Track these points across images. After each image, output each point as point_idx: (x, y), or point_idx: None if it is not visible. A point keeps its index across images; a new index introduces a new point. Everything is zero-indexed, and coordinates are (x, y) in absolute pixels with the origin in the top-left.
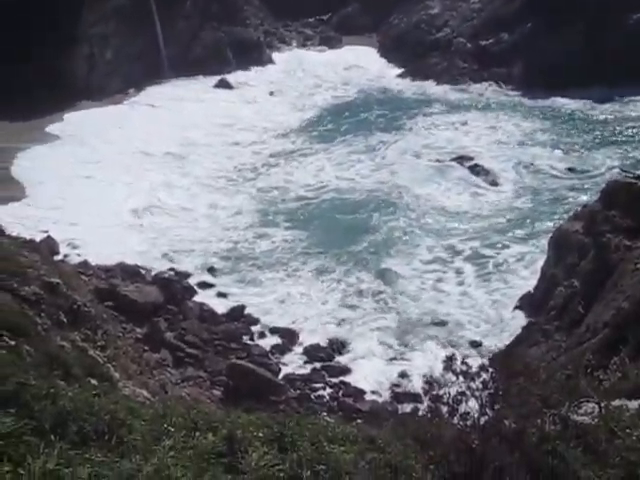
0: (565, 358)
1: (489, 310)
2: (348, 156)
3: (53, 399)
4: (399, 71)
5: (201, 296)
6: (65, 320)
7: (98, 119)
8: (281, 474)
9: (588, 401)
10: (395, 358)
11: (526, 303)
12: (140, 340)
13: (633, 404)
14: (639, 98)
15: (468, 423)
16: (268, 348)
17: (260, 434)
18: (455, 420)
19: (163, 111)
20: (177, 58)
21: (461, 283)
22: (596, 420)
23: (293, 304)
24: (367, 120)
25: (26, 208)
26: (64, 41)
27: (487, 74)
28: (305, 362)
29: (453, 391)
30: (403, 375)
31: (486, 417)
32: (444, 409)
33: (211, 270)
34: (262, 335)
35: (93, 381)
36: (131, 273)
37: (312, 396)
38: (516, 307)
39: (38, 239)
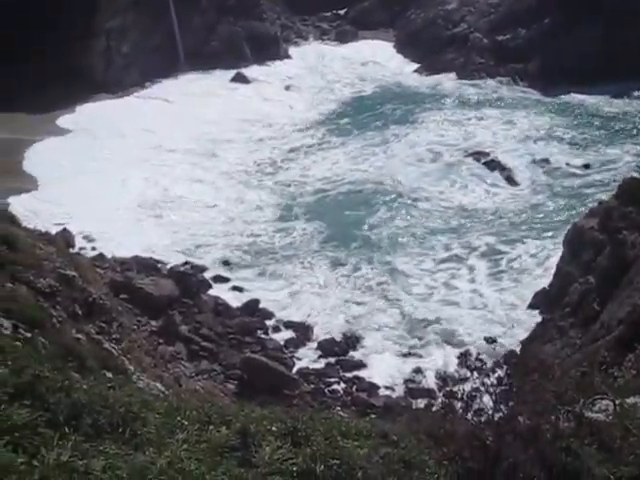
0: (580, 355)
1: (503, 307)
2: (363, 149)
3: (68, 391)
4: (415, 66)
5: (217, 290)
6: (80, 313)
7: (113, 112)
8: (294, 468)
9: (603, 398)
10: (409, 354)
11: (541, 299)
12: (155, 333)
13: None
14: None
15: (482, 419)
16: (282, 342)
17: (274, 428)
18: (469, 416)
19: (179, 105)
20: (193, 52)
21: (473, 280)
22: (610, 417)
23: (308, 299)
24: (383, 114)
25: (38, 201)
26: (81, 35)
27: (504, 70)
28: (319, 357)
29: (467, 387)
30: (417, 371)
31: (500, 413)
32: (458, 405)
33: (227, 264)
34: (276, 329)
35: (108, 374)
36: (147, 266)
37: (326, 391)
38: (531, 304)
39: (53, 232)
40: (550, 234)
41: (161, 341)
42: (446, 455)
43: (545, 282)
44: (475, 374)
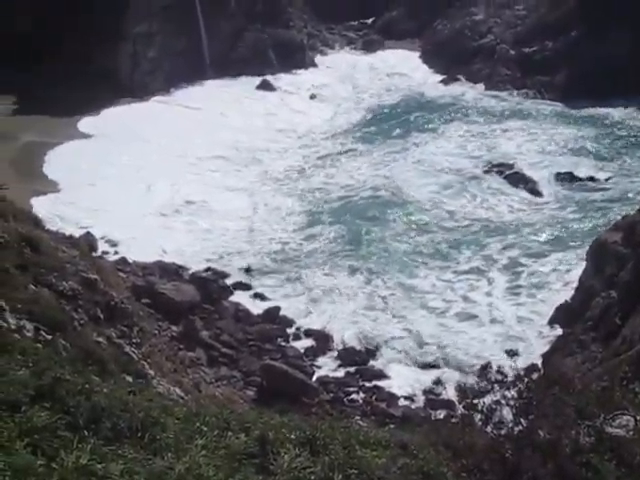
0: (601, 369)
1: (522, 321)
2: (384, 156)
3: (88, 395)
4: (441, 77)
5: (238, 296)
6: (102, 316)
7: (136, 116)
8: (312, 477)
9: (623, 414)
10: (429, 365)
11: (562, 313)
12: (175, 338)
13: None
14: None
15: (502, 432)
16: (302, 350)
17: (292, 436)
18: (489, 429)
19: (205, 112)
20: (219, 58)
21: (490, 294)
22: (631, 433)
23: (329, 307)
24: (407, 123)
25: (61, 204)
26: (109, 38)
27: (530, 82)
28: (339, 365)
29: (487, 400)
30: (437, 382)
31: (520, 427)
32: (478, 417)
33: (248, 271)
34: (297, 337)
35: (128, 378)
36: (169, 271)
37: (345, 400)
38: (552, 317)
39: (76, 235)
40: (573, 247)
41: (181, 346)
42: (465, 467)
43: (566, 296)
44: (496, 387)
